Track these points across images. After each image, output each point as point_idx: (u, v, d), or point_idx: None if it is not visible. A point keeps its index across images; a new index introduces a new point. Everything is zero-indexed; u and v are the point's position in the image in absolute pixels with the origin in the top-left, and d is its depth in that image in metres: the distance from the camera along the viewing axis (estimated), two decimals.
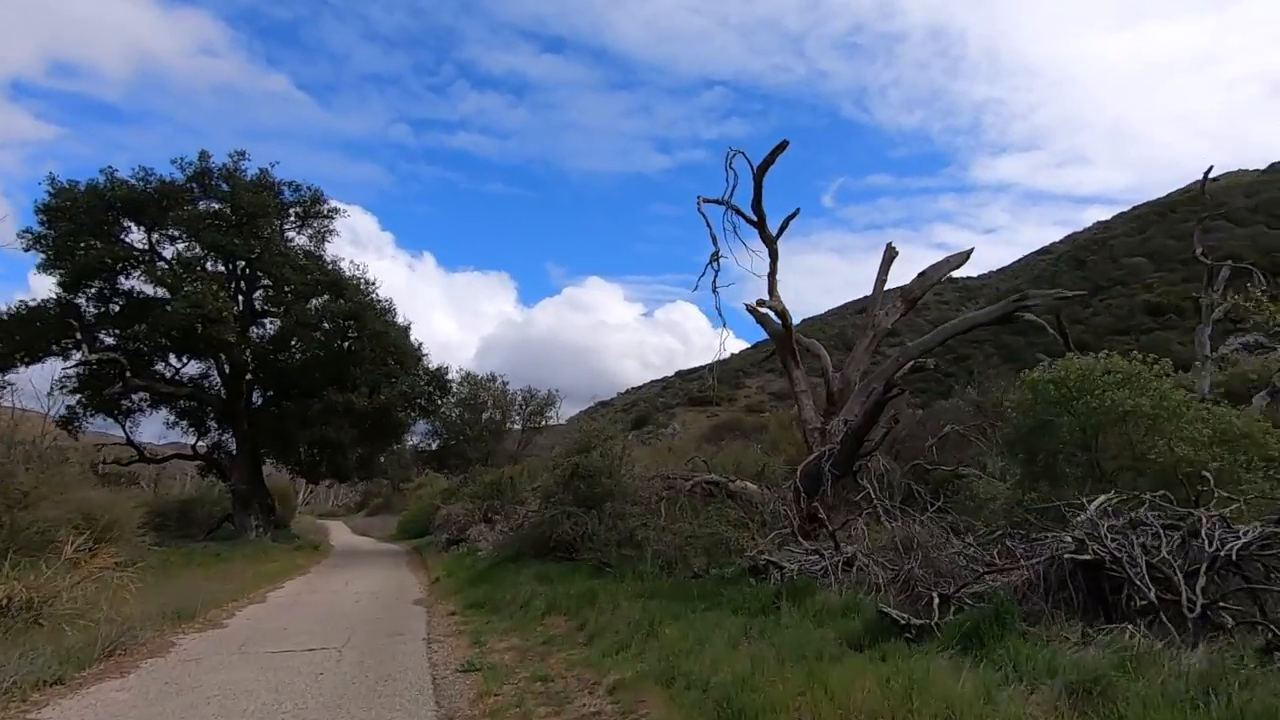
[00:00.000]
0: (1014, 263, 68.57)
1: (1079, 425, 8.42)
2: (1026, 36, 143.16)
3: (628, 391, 74.13)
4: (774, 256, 11.28)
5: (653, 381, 76.62)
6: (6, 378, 19.26)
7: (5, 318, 18.99)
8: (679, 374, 75.19)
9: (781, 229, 11.29)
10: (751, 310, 12.18)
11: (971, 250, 12.15)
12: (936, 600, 5.68)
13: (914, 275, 12.44)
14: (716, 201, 10.95)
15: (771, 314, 11.53)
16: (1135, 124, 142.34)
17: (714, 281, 11.11)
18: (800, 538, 8.76)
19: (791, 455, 18.80)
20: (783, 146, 10.46)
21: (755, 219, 11.05)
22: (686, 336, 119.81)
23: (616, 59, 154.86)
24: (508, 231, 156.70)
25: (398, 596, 11.48)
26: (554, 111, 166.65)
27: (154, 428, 23.57)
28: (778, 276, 11.37)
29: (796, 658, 5.05)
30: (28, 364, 19.18)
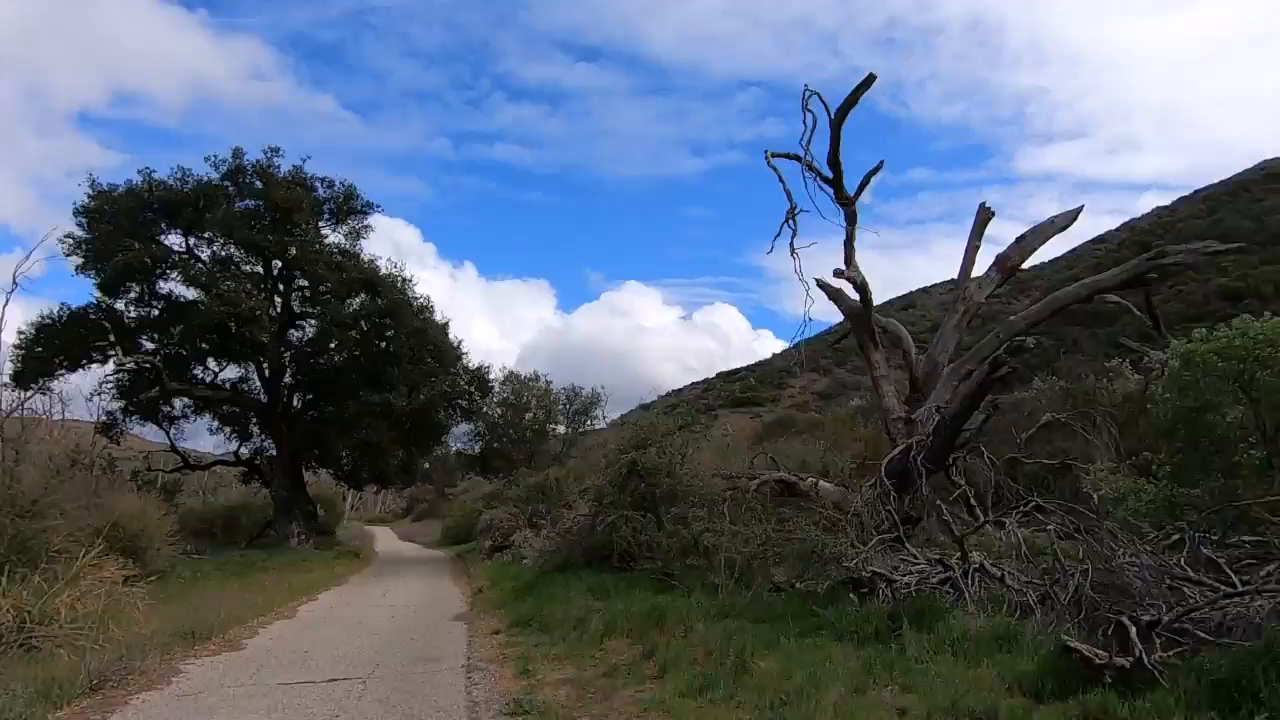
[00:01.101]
0: (1067, 252, 64.84)
1: (1256, 405, 6.81)
2: (1069, 22, 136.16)
3: (669, 394, 72.74)
4: (851, 220, 9.83)
5: (693, 383, 75.08)
6: (49, 384, 19.07)
7: (47, 323, 18.79)
8: (720, 375, 73.54)
9: (861, 187, 9.83)
10: (823, 285, 10.77)
11: (1081, 208, 10.50)
12: (1134, 630, 4.23)
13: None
14: (787, 156, 9.57)
15: (849, 286, 10.09)
16: (1188, 108, 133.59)
17: (792, 241, 9.70)
18: (905, 543, 7.34)
19: (858, 452, 17.19)
20: (869, 81, 8.99)
21: (830, 176, 9.62)
22: (726, 338, 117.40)
23: (649, 65, 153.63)
24: (546, 239, 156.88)
25: (437, 611, 10.41)
26: (588, 119, 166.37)
27: (209, 436, 23.25)
28: (855, 243, 9.92)
29: (961, 713, 3.68)
30: (69, 369, 18.95)
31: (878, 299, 10.68)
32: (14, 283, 15.68)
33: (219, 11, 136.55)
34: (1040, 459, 12.24)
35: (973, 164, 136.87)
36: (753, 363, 74.38)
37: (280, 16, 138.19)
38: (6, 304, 11.97)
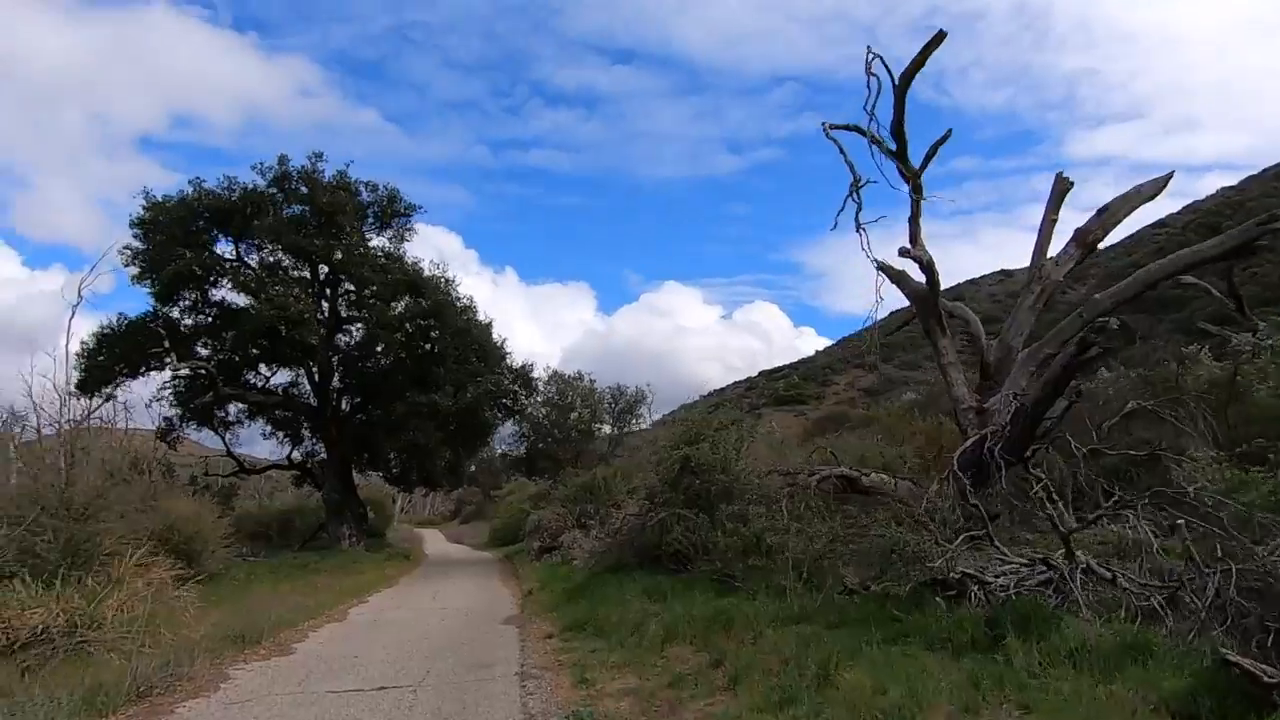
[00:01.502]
0: (1126, 238, 61.44)
1: None
2: (1118, 2, 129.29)
3: (711, 394, 71.92)
4: (917, 194, 9.14)
5: (735, 383, 74.05)
6: (112, 392, 19.59)
7: (107, 333, 19.32)
8: (762, 374, 72.42)
9: (928, 158, 9.10)
10: (884, 268, 10.09)
11: (1171, 174, 9.55)
12: None
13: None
14: (846, 127, 8.96)
15: (914, 268, 9.41)
16: (1249, 83, 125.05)
17: (857, 215, 9.04)
18: (994, 541, 6.68)
19: (919, 446, 16.35)
20: (938, 39, 8.28)
21: (894, 148, 8.93)
22: (767, 336, 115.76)
23: (684, 65, 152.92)
24: (584, 242, 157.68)
25: (487, 614, 10.12)
26: (624, 121, 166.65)
27: (268, 442, 23.75)
28: (921, 220, 9.20)
29: None
30: (128, 377, 19.44)
31: None
32: (79, 295, 16.08)
33: (268, 33, 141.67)
34: (1122, 450, 11.37)
35: (1020, 151, 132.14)
36: (795, 360, 73.08)
37: (325, 35, 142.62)
38: (72, 317, 12.21)
